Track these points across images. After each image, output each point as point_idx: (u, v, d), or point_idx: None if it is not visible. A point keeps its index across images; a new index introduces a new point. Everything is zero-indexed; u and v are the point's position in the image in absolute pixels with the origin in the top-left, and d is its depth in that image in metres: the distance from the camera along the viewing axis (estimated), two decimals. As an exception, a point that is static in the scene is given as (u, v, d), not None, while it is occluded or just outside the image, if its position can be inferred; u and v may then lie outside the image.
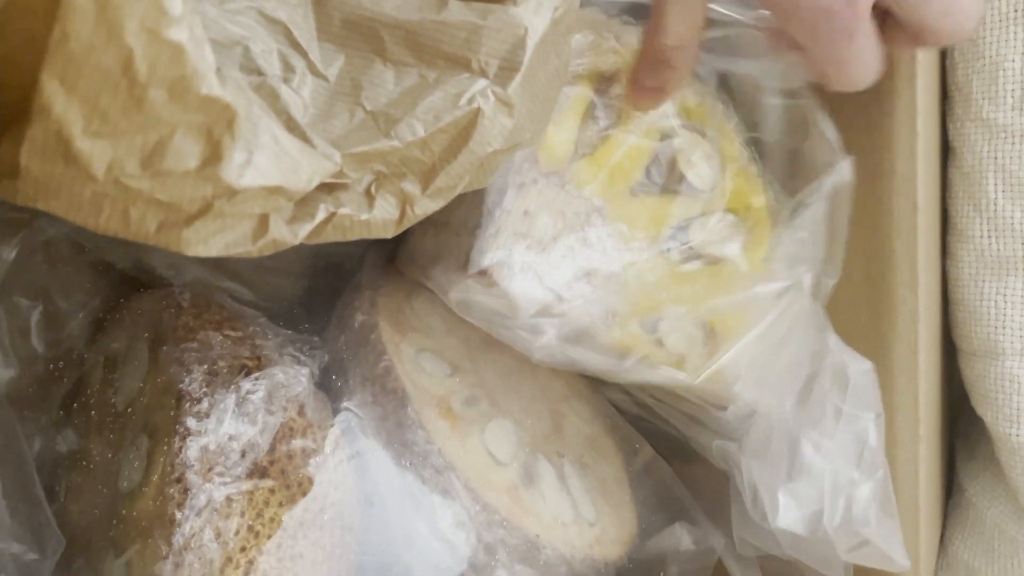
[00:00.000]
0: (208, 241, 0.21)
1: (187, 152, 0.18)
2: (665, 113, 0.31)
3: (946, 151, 0.34)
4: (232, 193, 0.19)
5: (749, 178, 0.33)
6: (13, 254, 0.29)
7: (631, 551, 0.35)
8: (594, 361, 0.31)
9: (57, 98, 0.16)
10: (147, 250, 0.31)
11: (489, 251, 0.28)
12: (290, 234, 0.22)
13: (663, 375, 0.31)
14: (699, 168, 0.32)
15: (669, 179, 0.32)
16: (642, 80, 0.29)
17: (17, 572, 0.26)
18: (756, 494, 0.32)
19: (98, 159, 0.17)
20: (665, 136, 0.32)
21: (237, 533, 0.26)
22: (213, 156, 0.18)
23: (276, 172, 0.20)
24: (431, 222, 0.30)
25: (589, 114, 0.31)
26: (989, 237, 0.31)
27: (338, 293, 0.35)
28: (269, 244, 0.22)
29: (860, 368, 0.30)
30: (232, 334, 0.29)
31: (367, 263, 0.35)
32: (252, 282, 0.33)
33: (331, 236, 0.23)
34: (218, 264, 0.33)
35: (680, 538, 0.36)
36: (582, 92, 0.30)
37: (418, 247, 0.31)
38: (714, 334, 0.32)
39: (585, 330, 0.29)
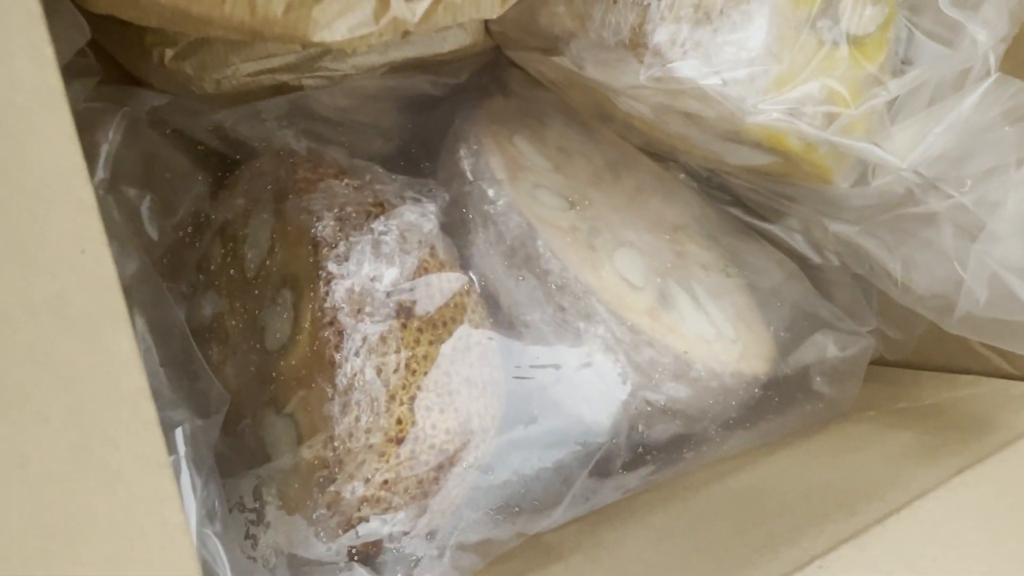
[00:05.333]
0: (333, 24, 0.20)
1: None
2: None
3: None
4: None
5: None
6: (118, 137, 0.28)
7: (773, 367, 0.34)
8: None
9: None
10: (242, 120, 0.30)
11: (663, 25, 0.26)
12: (408, 12, 0.21)
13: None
14: None
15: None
16: None
17: (184, 440, 0.25)
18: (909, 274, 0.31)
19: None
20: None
21: (396, 370, 0.26)
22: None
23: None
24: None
25: None
26: None
27: (430, 151, 0.34)
28: (390, 24, 0.21)
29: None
30: (352, 182, 0.28)
31: (462, 111, 0.34)
32: (348, 145, 0.32)
33: (442, 19, 0.22)
34: (308, 130, 0.32)
35: (824, 347, 0.35)
36: None
37: (545, 15, 0.29)
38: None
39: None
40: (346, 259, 0.26)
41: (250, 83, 0.29)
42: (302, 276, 0.27)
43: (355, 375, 0.25)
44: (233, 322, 0.29)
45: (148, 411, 0.15)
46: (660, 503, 0.30)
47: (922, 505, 0.26)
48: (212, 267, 0.29)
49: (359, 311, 0.26)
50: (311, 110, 0.30)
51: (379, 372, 0.25)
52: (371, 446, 0.25)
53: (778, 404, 0.34)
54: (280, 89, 0.29)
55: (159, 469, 0.15)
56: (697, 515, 0.29)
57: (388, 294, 0.26)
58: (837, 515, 0.26)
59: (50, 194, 0.14)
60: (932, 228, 0.32)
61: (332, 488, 0.25)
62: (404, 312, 0.27)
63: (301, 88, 0.29)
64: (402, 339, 0.26)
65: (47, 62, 0.15)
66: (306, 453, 0.25)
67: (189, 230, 0.29)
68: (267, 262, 0.28)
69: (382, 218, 0.27)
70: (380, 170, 0.29)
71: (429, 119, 0.34)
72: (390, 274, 0.27)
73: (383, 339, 0.26)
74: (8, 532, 0.13)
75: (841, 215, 0.35)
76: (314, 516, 0.25)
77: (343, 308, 0.26)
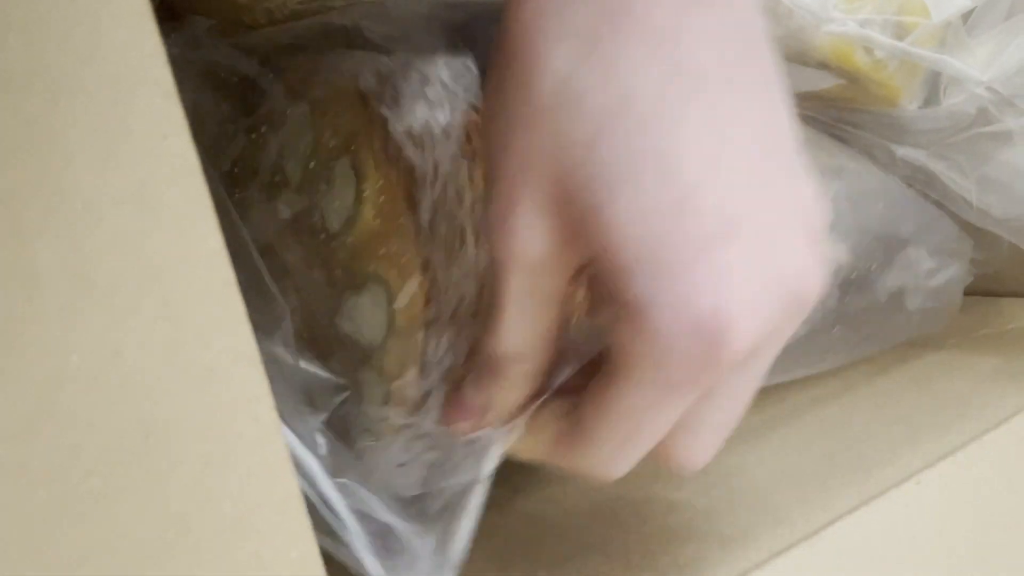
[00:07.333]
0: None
1: None
2: None
3: None
4: None
5: None
6: (175, 52, 0.28)
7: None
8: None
9: None
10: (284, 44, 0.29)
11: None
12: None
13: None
14: None
15: None
16: (464, 394, 0.23)
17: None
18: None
19: None
20: None
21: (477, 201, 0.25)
22: None
23: None
24: None
25: None
26: None
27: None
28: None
29: None
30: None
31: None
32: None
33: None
34: (351, 42, 0.31)
35: (916, 262, 0.33)
36: None
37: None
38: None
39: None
40: (397, 104, 0.25)
41: (301, 12, 0.28)
42: (358, 131, 0.25)
43: (437, 201, 0.24)
44: (295, 232, 0.27)
45: (237, 306, 0.14)
46: (748, 432, 0.29)
47: (1020, 420, 0.24)
48: (274, 176, 0.28)
49: (423, 147, 0.25)
50: (359, 38, 0.29)
51: (460, 197, 0.24)
52: (466, 275, 0.24)
53: (868, 320, 0.32)
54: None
55: (250, 366, 0.14)
56: (783, 445, 0.28)
57: (446, 133, 0.25)
58: (931, 434, 0.25)
59: (131, 78, 0.13)
60: (1008, 148, 0.31)
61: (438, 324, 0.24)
62: (468, 152, 0.25)
63: (352, 16, 0.28)
64: (470, 176, 0.25)
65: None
66: (402, 300, 0.24)
67: (259, 132, 0.28)
68: (317, 144, 0.26)
69: (422, 69, 0.26)
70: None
71: (481, 49, 0.33)
72: (443, 116, 0.25)
73: (455, 169, 0.25)
74: (106, 427, 0.13)
75: (908, 139, 0.33)
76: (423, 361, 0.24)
77: (407, 144, 0.24)
